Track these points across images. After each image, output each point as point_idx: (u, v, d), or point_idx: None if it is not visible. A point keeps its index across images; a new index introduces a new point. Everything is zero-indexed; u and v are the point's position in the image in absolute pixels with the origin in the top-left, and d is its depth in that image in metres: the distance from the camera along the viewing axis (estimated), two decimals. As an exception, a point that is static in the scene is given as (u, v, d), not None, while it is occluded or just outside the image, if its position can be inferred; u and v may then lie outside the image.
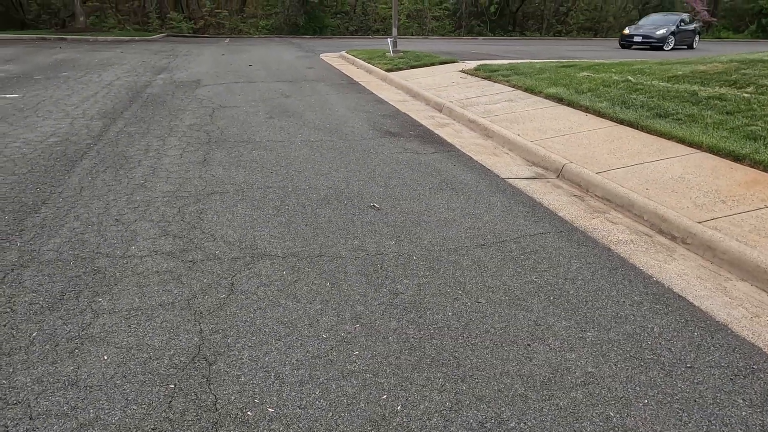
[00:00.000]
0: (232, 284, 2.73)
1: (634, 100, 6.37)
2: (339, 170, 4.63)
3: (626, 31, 21.54)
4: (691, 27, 21.64)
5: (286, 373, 2.10)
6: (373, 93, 9.00)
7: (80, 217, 3.50)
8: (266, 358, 2.18)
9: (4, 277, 2.75)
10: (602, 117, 6.11)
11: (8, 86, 8.54)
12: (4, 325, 2.35)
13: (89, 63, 12.11)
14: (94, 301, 2.56)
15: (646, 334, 2.41)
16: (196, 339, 2.30)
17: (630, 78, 7.47)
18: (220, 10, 27.43)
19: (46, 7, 25.51)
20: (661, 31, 20.36)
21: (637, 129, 5.54)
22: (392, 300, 2.63)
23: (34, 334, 2.30)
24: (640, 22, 22.70)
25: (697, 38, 21.89)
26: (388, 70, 11.00)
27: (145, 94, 8.10)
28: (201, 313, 2.48)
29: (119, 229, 3.35)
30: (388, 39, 13.80)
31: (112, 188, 4.05)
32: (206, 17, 27.05)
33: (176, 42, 20.76)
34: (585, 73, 8.32)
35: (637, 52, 19.01)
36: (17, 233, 3.25)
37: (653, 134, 5.32)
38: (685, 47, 21.32)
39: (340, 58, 14.84)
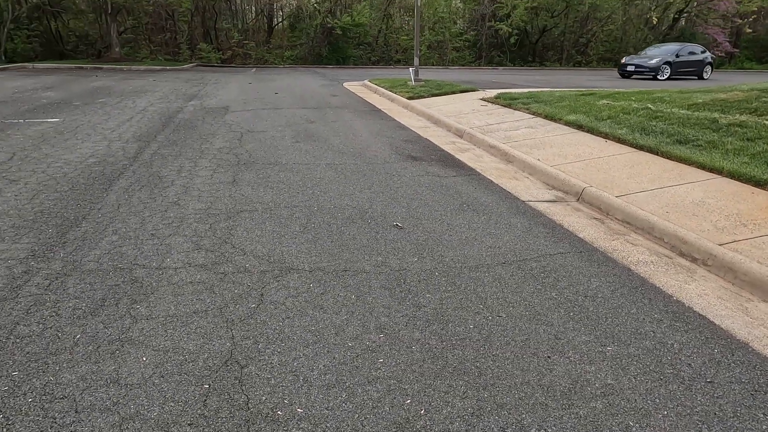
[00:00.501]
0: (262, 295, 2.86)
1: (653, 127, 6.43)
2: (363, 191, 4.78)
3: (623, 60, 21.79)
4: (700, 57, 21.46)
5: (314, 377, 2.20)
6: (395, 119, 9.23)
7: (118, 232, 3.70)
8: (295, 363, 2.28)
9: (50, 284, 2.92)
10: (622, 143, 6.18)
11: (50, 111, 9.02)
12: (51, 328, 2.51)
13: (124, 90, 12.68)
14: (132, 307, 2.71)
15: (666, 350, 2.45)
16: (228, 344, 2.41)
17: (650, 106, 7.54)
18: (247, 41, 28.47)
19: (83, 39, 26.83)
20: (654, 61, 20.43)
21: (657, 155, 5.59)
22: (415, 312, 2.72)
23: (77, 337, 2.45)
24: (643, 52, 22.93)
25: (708, 68, 21.63)
26: (409, 98, 11.27)
27: (176, 120, 8.46)
28: (232, 320, 2.61)
29: (155, 242, 3.52)
30: (410, 68, 14.15)
31: (147, 205, 4.26)
32: (234, 48, 28.07)
33: (205, 71, 21.57)
34: (604, 101, 8.42)
35: (641, 81, 19.07)
36: (60, 245, 3.45)
37: (673, 160, 5.36)
38: (694, 77, 21.19)
39: (362, 86, 15.23)
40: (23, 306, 2.69)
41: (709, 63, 21.79)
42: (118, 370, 2.21)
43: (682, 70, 20.84)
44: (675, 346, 2.49)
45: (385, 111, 10.31)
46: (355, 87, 15.16)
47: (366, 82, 15.52)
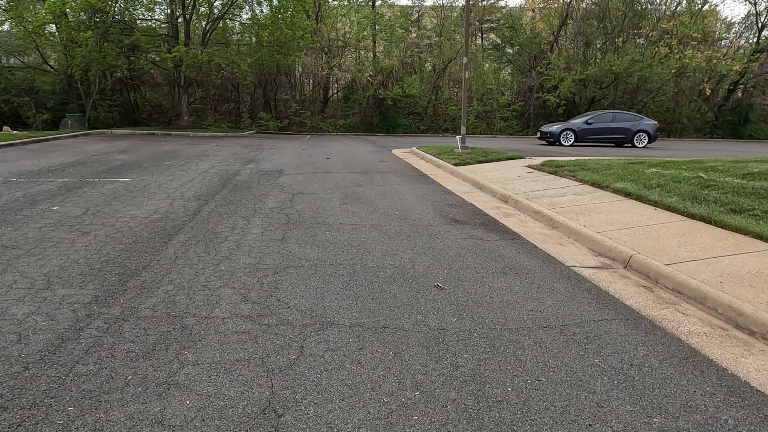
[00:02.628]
0: (302, 347, 2.93)
1: (706, 196, 6.27)
2: (405, 252, 4.87)
3: (542, 127, 22.43)
4: (627, 125, 20.66)
5: (348, 430, 2.21)
6: (440, 184, 9.43)
7: (173, 282, 3.93)
8: (330, 416, 2.31)
9: (108, 328, 3.13)
10: (672, 211, 6.04)
11: (122, 172, 9.83)
12: (106, 368, 2.67)
13: (189, 154, 13.67)
14: (180, 353, 2.85)
15: (719, 426, 2.30)
16: (267, 393, 2.48)
17: (702, 175, 7.39)
18: (303, 111, 30.24)
19: (157, 108, 29.39)
20: (555, 127, 20.74)
21: (710, 224, 5.42)
22: (452, 372, 2.70)
23: (129, 378, 2.59)
24: (573, 118, 23.08)
25: (644, 137, 20.73)
26: (456, 164, 11.52)
27: (234, 181, 9.00)
28: (273, 370, 2.68)
29: (206, 293, 3.71)
30: (457, 136, 14.55)
31: (201, 259, 4.51)
32: (291, 117, 29.85)
33: (263, 137, 22.94)
34: (654, 170, 8.31)
35: (585, 148, 18.99)
36: (121, 292, 3.70)
37: (727, 229, 5.18)
38: (619, 144, 20.83)
39: (410, 153, 15.71)
40: (83, 347, 2.88)
41: (644, 131, 20.77)
42: (163, 412, 2.31)
43: (594, 137, 20.55)
44: (729, 422, 2.34)
45: (431, 176, 10.56)
46: (403, 153, 15.66)
47: (414, 149, 16.02)
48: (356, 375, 2.65)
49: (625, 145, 20.96)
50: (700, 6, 32.02)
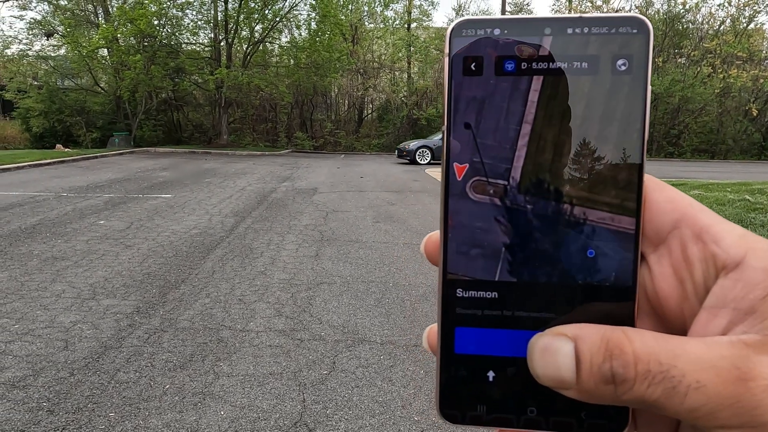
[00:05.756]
0: (334, 363, 2.96)
1: (753, 219, 6.03)
2: (437, 271, 4.86)
3: (400, 144, 21.19)
4: None
5: (378, 447, 2.21)
6: (473, 204, 9.38)
7: (210, 295, 4.04)
8: (360, 432, 2.32)
9: (149, 337, 3.24)
10: (717, 235, 5.83)
11: (164, 188, 10.21)
12: (145, 377, 2.76)
13: (227, 172, 14.08)
14: (216, 364, 2.92)
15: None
16: (299, 407, 2.51)
17: (748, 197, 7.12)
18: (338, 130, 30.77)
19: (198, 127, 30.49)
20: (413, 145, 19.54)
21: (758, 248, 5.20)
22: (484, 393, 2.67)
23: (167, 387, 2.67)
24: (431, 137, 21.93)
25: None
26: (489, 185, 11.44)
27: (270, 198, 9.22)
28: (305, 384, 2.72)
29: (241, 307, 3.80)
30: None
31: (237, 273, 4.63)
32: (326, 136, 30.42)
33: (299, 156, 23.42)
34: (696, 192, 8.06)
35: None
36: (161, 304, 3.82)
37: (777, 254, 4.96)
38: None
39: (443, 172, 15.71)
40: (125, 355, 2.99)
41: None
42: (198, 421, 2.37)
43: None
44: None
45: (464, 196, 10.52)
46: (436, 173, 15.69)
47: (447, 168, 16.00)
48: (387, 392, 2.66)
49: None
50: (745, 24, 31.18)
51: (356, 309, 3.81)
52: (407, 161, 19.54)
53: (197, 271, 4.65)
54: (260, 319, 3.57)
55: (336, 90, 33.12)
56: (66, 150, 20.39)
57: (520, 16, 0.27)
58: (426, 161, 19.53)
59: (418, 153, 19.38)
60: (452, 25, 0.28)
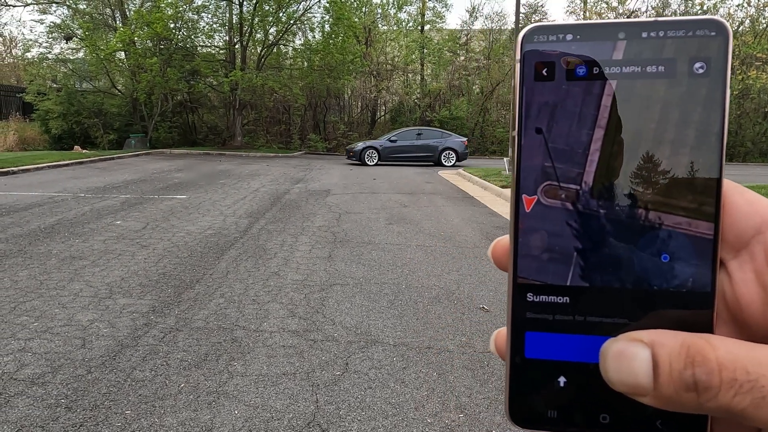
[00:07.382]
0: (347, 364, 2.97)
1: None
2: (450, 273, 4.85)
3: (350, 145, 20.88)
4: (433, 143, 19.04)
5: (391, 449, 2.21)
6: (487, 206, 9.34)
7: (225, 295, 4.07)
8: (373, 433, 2.32)
9: (164, 337, 3.27)
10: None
11: (179, 189, 10.32)
12: (161, 375, 2.79)
13: (241, 173, 14.19)
14: (230, 364, 2.94)
15: None
16: (312, 407, 2.52)
17: None
18: (351, 132, 30.85)
19: (213, 129, 30.80)
20: (359, 146, 19.15)
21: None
22: (498, 396, 2.65)
23: (182, 385, 2.69)
24: (384, 136, 21.44)
25: (452, 155, 18.96)
26: (503, 187, 11.39)
27: (283, 200, 9.27)
28: (318, 385, 2.72)
29: (255, 307, 3.83)
30: (505, 159, 14.43)
31: (251, 274, 4.66)
32: (339, 138, 30.51)
33: (312, 158, 23.52)
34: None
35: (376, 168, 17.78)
36: (176, 303, 3.87)
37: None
38: (430, 163, 19.21)
39: (456, 174, 15.68)
40: (141, 354, 3.03)
41: (451, 149, 19.04)
42: (212, 420, 2.39)
43: (398, 155, 19.02)
44: None
45: (477, 198, 10.49)
46: (449, 175, 15.65)
47: (460, 170, 15.97)
48: (400, 394, 2.65)
49: (431, 164, 19.37)
50: (764, 25, 30.66)
51: (369, 310, 3.81)
52: (356, 162, 19.26)
53: (212, 272, 4.69)
54: (274, 320, 3.59)
55: (349, 92, 33.22)
56: (84, 151, 20.71)
57: (592, 21, 0.27)
58: (374, 162, 19.18)
59: (365, 154, 19.11)
60: (524, 31, 0.28)
